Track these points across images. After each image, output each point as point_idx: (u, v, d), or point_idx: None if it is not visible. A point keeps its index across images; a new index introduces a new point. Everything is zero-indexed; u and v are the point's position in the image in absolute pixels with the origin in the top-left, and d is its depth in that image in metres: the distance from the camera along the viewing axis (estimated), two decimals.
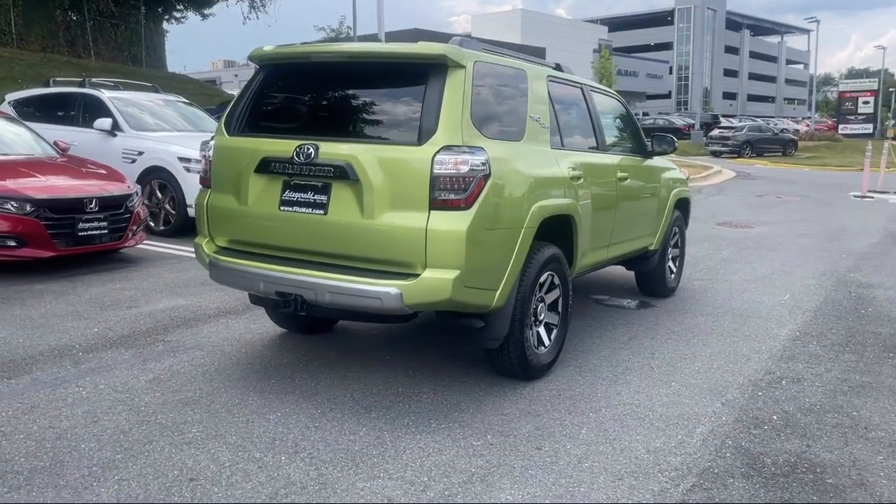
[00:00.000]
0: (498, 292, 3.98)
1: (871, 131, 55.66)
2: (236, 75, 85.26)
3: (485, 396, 4.23)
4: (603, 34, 72.81)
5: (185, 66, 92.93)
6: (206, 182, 4.51)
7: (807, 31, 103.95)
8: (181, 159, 9.17)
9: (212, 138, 4.52)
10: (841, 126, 56.82)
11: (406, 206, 3.77)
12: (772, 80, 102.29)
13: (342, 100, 4.32)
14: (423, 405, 4.08)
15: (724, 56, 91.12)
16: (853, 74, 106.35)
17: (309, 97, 4.45)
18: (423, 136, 3.79)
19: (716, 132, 36.63)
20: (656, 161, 6.52)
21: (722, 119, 49.69)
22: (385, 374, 4.55)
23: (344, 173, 3.87)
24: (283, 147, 4.09)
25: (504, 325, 4.11)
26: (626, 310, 6.47)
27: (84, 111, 10.19)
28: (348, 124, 4.17)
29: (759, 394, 4.40)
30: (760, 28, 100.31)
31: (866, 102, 57.32)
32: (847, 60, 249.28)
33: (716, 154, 34.52)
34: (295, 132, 4.20)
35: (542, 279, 4.38)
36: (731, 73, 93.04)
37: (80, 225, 6.98)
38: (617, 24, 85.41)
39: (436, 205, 3.72)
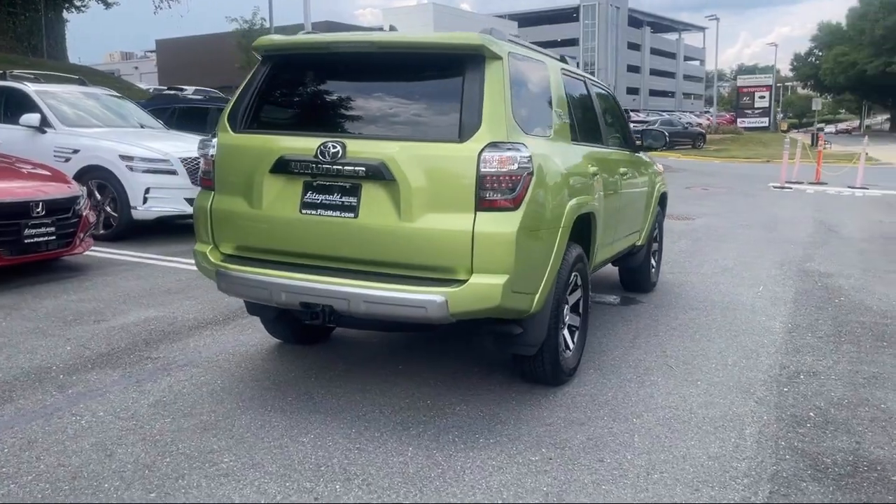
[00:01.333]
0: (537, 296, 3.78)
1: (766, 124, 58.61)
2: (136, 67, 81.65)
3: (520, 405, 4.03)
4: (513, 30, 73.53)
5: (79, 58, 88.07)
6: (207, 183, 4.11)
7: (702, 29, 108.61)
8: (123, 157, 8.55)
9: (213, 135, 4.12)
10: (739, 120, 59.57)
11: (449, 207, 3.52)
12: (671, 75, 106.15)
13: (368, 94, 4.01)
14: (459, 418, 3.85)
15: (628, 52, 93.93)
16: (744, 70, 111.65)
17: (328, 91, 4.11)
18: (464, 132, 3.54)
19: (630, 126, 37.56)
20: (642, 155, 6.48)
21: (630, 114, 51.11)
22: (405, 385, 4.28)
23: (377, 173, 3.58)
24: (303, 145, 3.75)
25: (542, 329, 3.92)
26: (613, 306, 6.41)
27: (7, 106, 9.34)
28: (377, 120, 3.86)
29: (785, 390, 4.39)
30: (660, 25, 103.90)
31: (762, 97, 60.31)
32: (736, 57, 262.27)
33: None
34: (314, 129, 3.87)
35: (570, 280, 4.22)
36: (633, 69, 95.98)
37: (27, 231, 6.34)
38: (526, 19, 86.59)
39: (483, 205, 3.48)
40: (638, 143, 6.45)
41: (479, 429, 3.72)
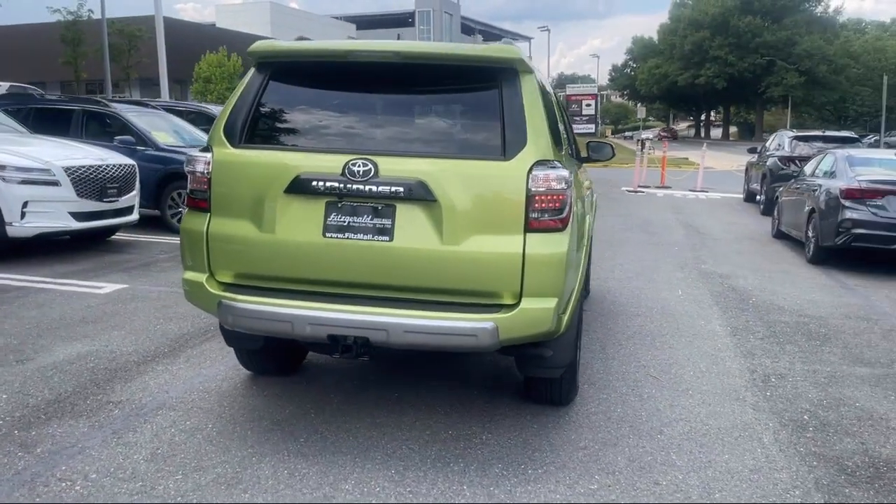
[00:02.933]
0: (567, 316, 3.70)
1: (593, 130, 62.36)
2: None
3: (543, 429, 3.92)
4: (352, 32, 73.21)
5: None
6: (200, 204, 3.64)
7: (529, 39, 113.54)
8: None
9: (205, 149, 3.66)
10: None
11: (495, 228, 3.34)
12: None
13: (392, 107, 3.72)
14: (492, 448, 3.67)
15: None
16: (564, 80, 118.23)
17: (346, 103, 3.77)
18: (509, 149, 3.37)
19: None
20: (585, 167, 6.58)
21: None
22: (415, 414, 4.04)
23: (417, 193, 3.33)
24: (325, 163, 3.42)
25: (570, 350, 3.84)
26: None
27: None
28: (406, 136, 3.59)
29: (767, 394, 4.60)
30: (491, 34, 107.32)
31: (589, 105, 64.08)
32: (555, 66, 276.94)
33: None
34: (333, 145, 3.55)
35: None
36: None
37: None
38: (363, 22, 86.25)
39: (531, 226, 3.34)
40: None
41: (520, 459, 3.57)
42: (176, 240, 9.38)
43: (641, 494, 3.26)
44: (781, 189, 12.10)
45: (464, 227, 3.33)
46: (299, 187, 3.42)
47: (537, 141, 3.38)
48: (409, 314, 3.33)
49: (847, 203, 8.87)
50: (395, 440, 3.72)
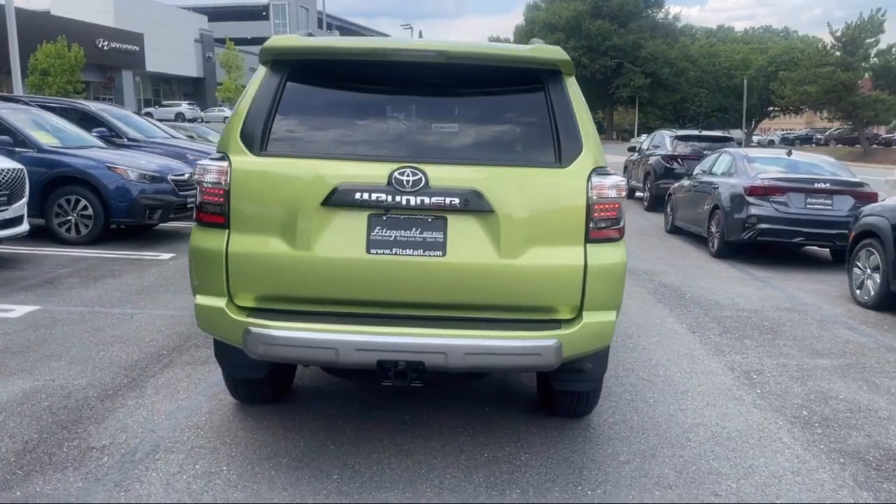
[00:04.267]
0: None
1: None
2: None
3: (575, 444, 3.79)
4: (203, 24, 69.99)
5: None
6: (216, 219, 3.20)
7: (385, 37, 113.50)
8: None
9: (219, 157, 3.22)
10: None
11: (555, 240, 3.17)
12: None
13: (437, 111, 3.43)
14: (537, 469, 3.49)
15: None
16: None
17: (380, 106, 3.43)
18: (564, 155, 3.20)
19: None
20: None
21: None
22: (440, 438, 3.78)
23: (473, 203, 3.09)
24: (368, 172, 3.10)
25: (605, 361, 3.73)
26: None
27: None
28: (455, 142, 3.31)
29: (758, 391, 4.72)
30: (348, 30, 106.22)
31: None
32: None
33: None
34: (373, 152, 3.23)
35: None
36: None
37: None
38: (215, 14, 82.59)
39: (592, 237, 3.19)
40: None
41: (571, 479, 3.42)
42: (70, 252, 8.54)
43: None
44: (675, 186, 12.69)
45: (522, 238, 3.13)
46: (339, 199, 3.08)
47: (592, 147, 3.24)
48: (468, 335, 3.08)
49: (751, 200, 9.40)
50: (435, 469, 3.46)
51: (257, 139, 3.20)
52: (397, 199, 3.06)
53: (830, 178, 9.67)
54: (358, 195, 3.07)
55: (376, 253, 3.11)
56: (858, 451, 3.86)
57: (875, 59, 52.91)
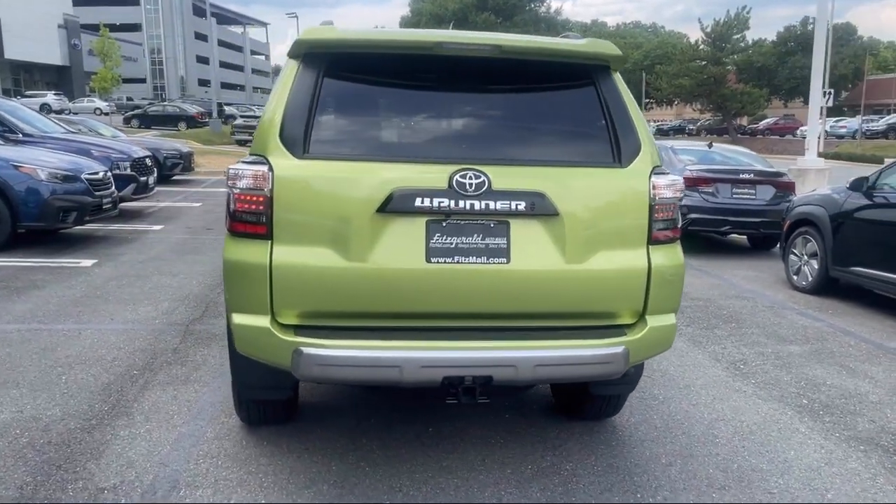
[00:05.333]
0: None
1: None
2: None
3: (610, 448, 3.71)
4: (68, 8, 65.51)
5: None
6: (257, 229, 2.87)
7: (265, 24, 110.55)
8: None
9: (257, 161, 2.90)
10: None
11: (618, 243, 3.05)
12: (240, 69, 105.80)
13: (490, 109, 3.19)
14: (589, 479, 3.38)
15: (196, 43, 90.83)
16: None
17: (429, 104, 3.16)
18: (623, 154, 3.09)
19: (240, 121, 36.74)
20: None
21: (226, 108, 49.81)
22: (474, 451, 3.61)
23: (538, 207, 2.92)
24: (426, 175, 2.88)
25: (643, 364, 3.67)
26: None
27: None
28: (512, 142, 3.10)
29: (753, 381, 4.82)
30: (225, 17, 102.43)
31: None
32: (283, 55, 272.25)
33: (241, 143, 34.44)
34: (431, 153, 3.00)
35: None
36: (203, 61, 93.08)
37: None
38: None
39: (654, 239, 3.11)
40: None
41: (626, 486, 3.33)
42: None
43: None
44: None
45: (586, 242, 3.00)
46: (397, 206, 2.84)
47: (649, 146, 3.15)
48: (537, 345, 2.93)
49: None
50: (487, 485, 3.28)
51: (299, 141, 2.90)
52: (460, 203, 2.86)
53: (753, 168, 10.12)
54: (418, 201, 2.84)
55: (437, 262, 2.89)
56: (871, 437, 3.99)
57: (734, 55, 56.46)
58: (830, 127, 45.17)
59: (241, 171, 2.88)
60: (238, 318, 2.90)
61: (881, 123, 45.69)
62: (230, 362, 3.42)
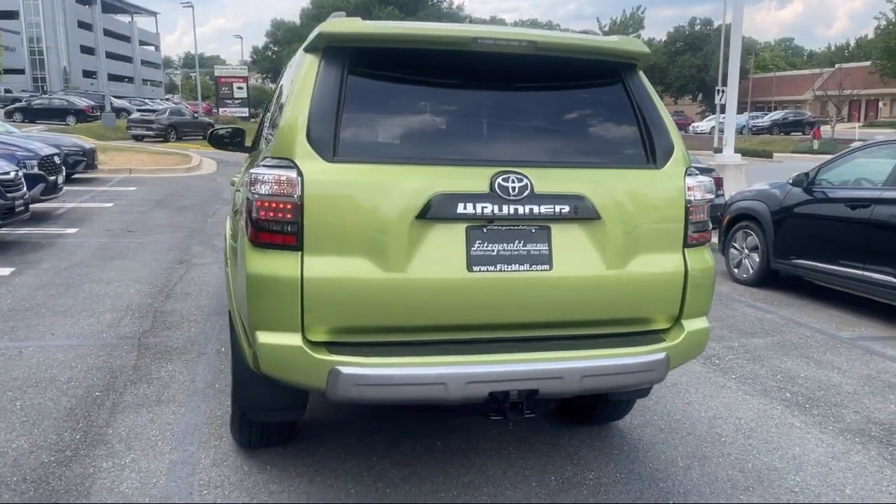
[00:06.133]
0: None
1: (247, 114, 60.62)
2: None
3: (623, 454, 3.66)
4: None
5: None
6: (283, 239, 2.61)
7: (154, 14, 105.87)
8: None
9: (282, 165, 2.63)
10: (221, 109, 60.22)
11: (656, 246, 2.97)
12: (128, 59, 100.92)
13: (526, 108, 3.01)
14: (614, 488, 3.30)
15: (80, 32, 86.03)
16: (190, 59, 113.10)
17: (462, 102, 2.95)
18: (658, 155, 3.00)
19: (137, 115, 34.97)
20: None
21: (116, 101, 47.37)
22: (491, 466, 3.47)
23: (581, 211, 2.80)
24: (466, 178, 2.70)
25: None
26: None
27: None
28: (550, 143, 2.94)
29: (733, 377, 4.88)
30: (112, 6, 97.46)
31: (240, 88, 62.00)
32: (177, 44, 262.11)
33: (138, 138, 32.71)
34: (470, 155, 2.82)
35: None
36: (88, 51, 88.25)
37: None
38: None
39: (690, 241, 3.04)
40: None
41: (656, 495, 3.27)
42: None
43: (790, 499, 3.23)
44: None
45: (626, 246, 2.90)
46: (438, 212, 2.65)
47: (681, 146, 3.08)
48: (582, 355, 2.81)
49: None
50: (514, 500, 3.15)
51: (328, 143, 2.65)
52: (504, 208, 2.70)
53: None
54: (460, 207, 2.66)
55: (479, 270, 2.72)
56: (861, 428, 4.11)
57: None
58: (719, 123, 47.51)
59: (265, 177, 2.61)
60: (264, 337, 2.63)
61: (766, 120, 48.47)
62: (235, 384, 3.15)
